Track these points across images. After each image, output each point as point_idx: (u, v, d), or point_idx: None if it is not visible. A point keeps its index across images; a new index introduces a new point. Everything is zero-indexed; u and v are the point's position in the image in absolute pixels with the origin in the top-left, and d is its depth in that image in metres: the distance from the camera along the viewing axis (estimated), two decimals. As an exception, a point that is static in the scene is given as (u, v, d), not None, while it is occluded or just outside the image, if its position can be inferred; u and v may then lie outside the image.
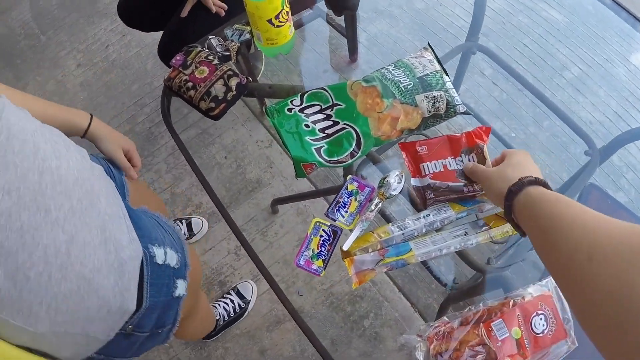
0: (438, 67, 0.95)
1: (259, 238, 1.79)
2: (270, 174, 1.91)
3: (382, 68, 0.96)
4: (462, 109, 0.92)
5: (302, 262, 0.84)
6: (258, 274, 1.76)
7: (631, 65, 1.96)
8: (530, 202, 0.63)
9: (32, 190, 0.58)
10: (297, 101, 0.95)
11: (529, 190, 0.64)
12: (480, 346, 0.73)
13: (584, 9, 2.02)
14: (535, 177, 0.66)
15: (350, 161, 0.90)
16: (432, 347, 0.76)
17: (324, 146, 0.90)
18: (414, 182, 0.87)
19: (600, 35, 2.05)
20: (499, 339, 0.73)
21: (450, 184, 0.85)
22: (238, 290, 1.72)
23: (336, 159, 0.89)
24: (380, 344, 1.63)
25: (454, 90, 0.93)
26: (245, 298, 1.70)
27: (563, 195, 0.59)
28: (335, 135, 0.91)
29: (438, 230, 0.85)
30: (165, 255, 0.79)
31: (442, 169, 0.86)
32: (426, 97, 0.91)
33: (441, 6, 2.06)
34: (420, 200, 0.87)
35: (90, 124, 0.92)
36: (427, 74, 0.93)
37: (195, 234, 1.80)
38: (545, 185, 0.66)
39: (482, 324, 0.74)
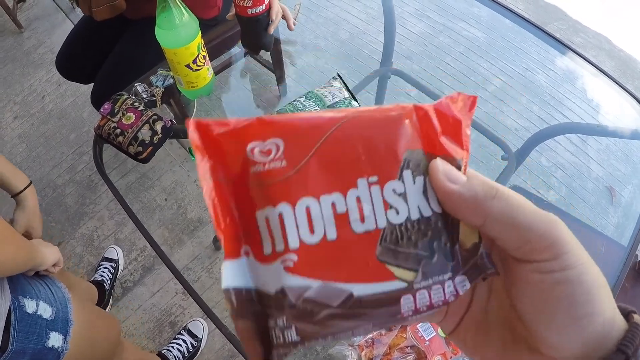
0: (347, 94, 1.01)
1: (205, 275, 1.81)
2: (211, 211, 1.93)
3: (294, 100, 1.02)
4: None
5: None
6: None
7: (549, 70, 2.08)
8: None
9: None
10: None
11: None
12: (409, 347, 0.77)
13: (501, 23, 2.15)
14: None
15: None
16: (363, 354, 0.80)
17: None
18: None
19: (519, 47, 2.18)
20: (427, 338, 0.76)
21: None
22: (189, 329, 1.72)
23: None
24: (332, 355, 1.65)
25: None
26: (197, 336, 1.71)
27: None
28: None
29: None
30: (37, 307, 0.86)
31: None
32: None
33: (364, 34, 2.15)
34: None
35: (25, 188, 0.98)
36: (337, 102, 0.99)
37: (200, 338, 1.72)
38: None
39: (408, 327, 0.77)
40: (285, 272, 0.24)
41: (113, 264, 1.85)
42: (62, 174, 2.15)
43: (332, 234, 0.25)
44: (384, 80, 1.60)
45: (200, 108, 1.74)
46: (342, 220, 0.25)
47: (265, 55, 1.81)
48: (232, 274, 0.24)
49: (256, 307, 0.25)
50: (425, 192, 0.27)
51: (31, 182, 1.02)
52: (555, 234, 0.26)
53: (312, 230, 0.25)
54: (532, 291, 0.27)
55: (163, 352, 1.62)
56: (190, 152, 1.00)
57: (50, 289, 0.94)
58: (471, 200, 0.27)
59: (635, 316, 0.28)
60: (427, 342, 0.76)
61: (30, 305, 0.85)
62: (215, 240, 1.80)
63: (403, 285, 0.26)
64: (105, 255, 1.87)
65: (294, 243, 0.24)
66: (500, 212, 0.26)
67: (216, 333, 1.74)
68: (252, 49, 1.31)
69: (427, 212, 0.27)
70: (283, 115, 0.26)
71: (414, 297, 0.26)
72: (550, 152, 1.69)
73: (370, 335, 0.80)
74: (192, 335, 1.70)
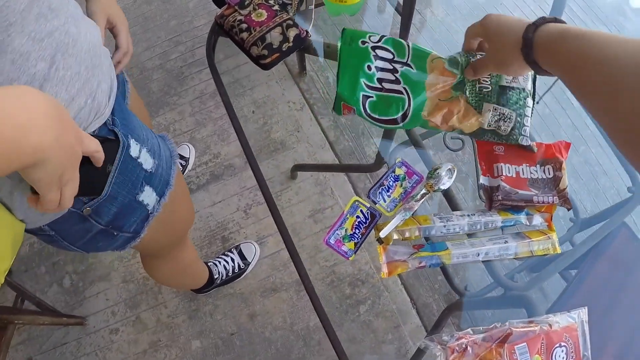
0: (529, 86, 0.86)
1: (270, 201, 1.74)
2: (296, 137, 1.85)
3: (471, 55, 0.87)
4: (525, 141, 0.83)
5: (332, 241, 0.78)
6: (264, 236, 1.71)
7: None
8: (553, 39, 0.60)
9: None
10: (375, 38, 0.86)
11: (548, 28, 0.61)
12: (499, 366, 0.70)
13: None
14: (543, 17, 0.63)
15: (386, 126, 0.83)
16: (451, 357, 0.73)
17: (372, 97, 0.82)
18: (483, 180, 0.82)
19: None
20: (521, 363, 0.70)
21: (521, 191, 0.79)
22: (240, 250, 1.67)
23: (376, 116, 0.82)
24: (372, 333, 1.59)
25: (529, 119, 0.83)
26: (246, 259, 1.66)
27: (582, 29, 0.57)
28: (389, 94, 0.83)
29: (473, 235, 0.80)
30: (139, 152, 0.78)
31: (515, 175, 0.80)
32: (495, 109, 0.82)
33: (501, 5, 1.98)
34: (486, 200, 0.81)
35: None
36: (512, 87, 0.84)
37: (249, 262, 1.68)
38: (558, 20, 0.62)
39: (506, 345, 0.70)
40: (501, 181, 0.82)
41: (182, 162, 1.80)
42: (153, 57, 2.08)
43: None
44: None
45: (312, 29, 1.63)
46: (517, 173, 0.81)
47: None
48: (484, 179, 0.81)
49: (487, 191, 0.81)
50: None
51: None
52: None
53: (509, 172, 0.81)
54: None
55: (209, 264, 1.58)
56: (342, 32, 0.90)
57: (158, 142, 0.87)
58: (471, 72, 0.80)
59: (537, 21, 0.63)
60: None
61: (134, 149, 0.77)
62: (295, 169, 1.72)
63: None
64: (177, 151, 1.81)
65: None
66: (477, 66, 0.78)
67: (265, 262, 1.68)
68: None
69: None
70: None
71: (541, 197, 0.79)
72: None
73: (464, 341, 0.73)
74: (242, 256, 1.66)
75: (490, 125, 0.82)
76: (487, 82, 0.83)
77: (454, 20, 1.90)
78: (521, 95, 0.83)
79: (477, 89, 0.83)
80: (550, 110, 1.89)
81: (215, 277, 1.59)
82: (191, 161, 1.83)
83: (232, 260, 1.64)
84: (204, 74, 1.99)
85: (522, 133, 0.82)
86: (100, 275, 1.70)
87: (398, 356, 1.55)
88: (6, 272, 0.68)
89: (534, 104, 0.84)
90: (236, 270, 1.64)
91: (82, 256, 1.72)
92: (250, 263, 1.66)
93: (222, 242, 1.72)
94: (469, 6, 1.96)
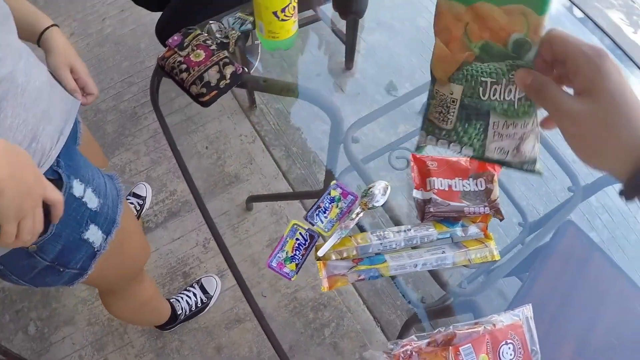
0: None
1: (229, 233, 1.76)
2: (250, 170, 1.88)
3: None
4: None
5: (274, 264, 0.82)
6: (224, 269, 1.73)
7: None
8: None
9: None
10: None
11: None
12: (446, 369, 0.72)
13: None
14: None
15: None
16: None
17: None
18: (415, 193, 0.86)
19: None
20: (467, 365, 0.71)
21: (452, 203, 0.83)
22: (202, 284, 1.68)
23: None
24: (338, 355, 1.61)
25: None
26: (208, 293, 1.67)
27: None
28: None
29: (415, 247, 0.83)
30: (83, 192, 0.80)
31: (447, 188, 0.84)
32: None
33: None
34: (419, 212, 0.86)
35: (48, 28, 0.89)
36: None
37: (212, 295, 1.69)
38: None
39: (450, 347, 0.73)
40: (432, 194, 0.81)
41: (140, 201, 1.81)
42: (107, 99, 2.11)
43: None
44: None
45: (261, 63, 1.67)
46: (450, 186, 0.83)
47: (339, 24, 1.73)
48: (417, 193, 0.82)
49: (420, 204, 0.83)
50: None
51: (57, 25, 0.91)
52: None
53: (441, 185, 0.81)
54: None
55: (172, 301, 1.59)
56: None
57: (105, 181, 0.89)
58: (529, 84, 0.45)
59: None
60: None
61: (77, 188, 0.79)
62: (250, 200, 1.75)
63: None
64: (134, 191, 1.83)
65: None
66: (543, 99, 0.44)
67: (227, 294, 1.69)
68: (343, 13, 1.23)
69: None
70: None
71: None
72: (601, 193, 1.60)
73: (409, 348, 0.75)
74: (204, 290, 1.67)
75: None
76: None
77: (396, 45, 1.97)
78: None
79: None
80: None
81: (179, 312, 1.59)
82: (148, 200, 1.84)
83: (194, 295, 1.65)
84: (157, 112, 2.02)
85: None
86: (65, 320, 1.69)
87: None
88: None
89: None
90: (199, 304, 1.65)
91: (46, 301, 1.71)
92: (212, 296, 1.67)
93: (184, 278, 1.73)
94: (411, 31, 2.03)
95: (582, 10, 1.43)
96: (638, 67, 1.38)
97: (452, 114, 0.56)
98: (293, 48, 1.70)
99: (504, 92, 0.51)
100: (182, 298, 1.63)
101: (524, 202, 1.81)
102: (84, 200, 0.80)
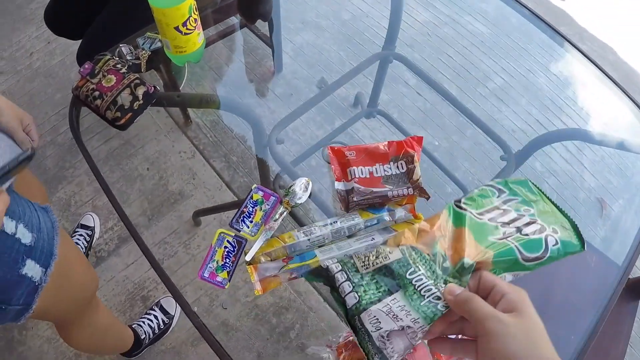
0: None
1: (182, 250, 1.75)
2: (193, 185, 1.88)
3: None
4: None
5: (206, 275, 0.82)
6: (182, 286, 1.72)
7: (551, 74, 2.04)
8: None
9: None
10: None
11: None
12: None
13: (507, 21, 2.09)
14: None
15: None
16: (341, 357, 0.76)
17: None
18: (337, 185, 0.86)
19: (523, 47, 2.13)
20: (412, 346, 0.73)
21: (375, 189, 0.83)
22: (161, 305, 1.67)
23: None
24: (308, 355, 1.62)
25: None
26: (169, 313, 1.66)
27: None
28: None
29: (351, 237, 0.85)
30: (15, 228, 0.79)
31: (369, 175, 0.85)
32: None
33: (367, 17, 2.09)
34: (343, 204, 0.85)
35: None
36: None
37: (173, 315, 1.69)
38: None
39: None
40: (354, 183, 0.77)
41: (89, 232, 1.79)
42: (43, 134, 2.07)
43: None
44: (385, 65, 1.54)
45: (191, 77, 1.67)
46: (371, 173, 0.80)
47: (263, 28, 1.75)
48: (338, 184, 0.76)
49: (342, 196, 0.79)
50: None
51: None
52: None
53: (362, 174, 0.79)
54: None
55: (133, 326, 1.58)
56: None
57: (38, 215, 0.88)
58: (455, 302, 0.54)
59: None
60: (411, 351, 0.72)
61: (8, 225, 0.78)
62: (196, 215, 1.74)
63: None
64: (82, 222, 1.81)
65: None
66: (466, 312, 0.52)
67: (189, 311, 1.69)
68: (248, 18, 1.24)
69: None
70: None
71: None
72: (545, 158, 1.65)
73: (351, 338, 0.76)
74: (164, 311, 1.66)
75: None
76: None
77: (324, 42, 1.99)
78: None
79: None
80: (431, 104, 2.00)
81: (142, 337, 1.58)
82: (97, 230, 1.82)
83: (155, 317, 1.64)
84: (95, 140, 1.99)
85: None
86: (31, 363, 1.66)
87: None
88: None
89: None
90: (161, 326, 1.64)
91: (10, 346, 1.67)
92: (173, 316, 1.67)
93: (143, 302, 1.72)
94: (336, 25, 2.06)
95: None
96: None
97: (376, 264, 0.67)
98: (222, 59, 1.71)
99: (425, 287, 0.60)
100: (143, 322, 1.62)
101: (469, 177, 1.86)
102: (17, 236, 0.80)
